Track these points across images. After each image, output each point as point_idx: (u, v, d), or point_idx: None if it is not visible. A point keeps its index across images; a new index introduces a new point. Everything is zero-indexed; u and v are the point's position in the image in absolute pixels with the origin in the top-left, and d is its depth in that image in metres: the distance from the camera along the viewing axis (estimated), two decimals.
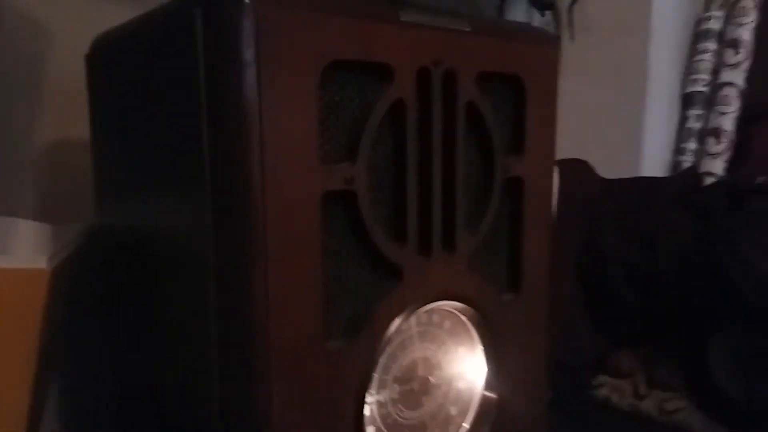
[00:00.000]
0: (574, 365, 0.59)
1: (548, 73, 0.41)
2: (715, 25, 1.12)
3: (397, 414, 0.37)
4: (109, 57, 0.40)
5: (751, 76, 1.09)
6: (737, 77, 1.09)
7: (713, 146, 1.10)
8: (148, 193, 0.37)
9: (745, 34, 1.09)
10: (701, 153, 1.12)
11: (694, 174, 0.82)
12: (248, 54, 0.28)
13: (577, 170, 0.66)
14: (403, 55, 0.33)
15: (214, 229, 0.30)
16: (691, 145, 1.12)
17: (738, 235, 0.55)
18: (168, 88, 0.33)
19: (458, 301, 0.38)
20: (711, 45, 1.12)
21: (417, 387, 0.38)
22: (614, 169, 0.74)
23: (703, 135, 1.12)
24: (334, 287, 0.33)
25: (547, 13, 0.82)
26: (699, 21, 1.15)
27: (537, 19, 0.89)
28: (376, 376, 0.35)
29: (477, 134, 0.38)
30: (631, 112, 1.06)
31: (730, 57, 1.10)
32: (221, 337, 0.30)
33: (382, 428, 0.36)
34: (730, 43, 1.10)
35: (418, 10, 0.34)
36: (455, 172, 0.36)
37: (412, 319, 0.36)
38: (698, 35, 1.14)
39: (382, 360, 0.35)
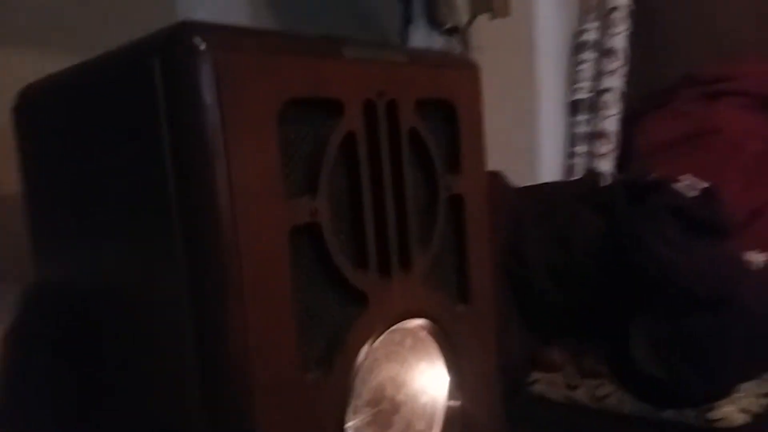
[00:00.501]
0: (509, 365, 0.62)
1: (475, 96, 0.44)
2: (591, 36, 1.23)
3: None
4: (45, 107, 0.38)
5: (629, 80, 1.21)
6: (616, 82, 1.20)
7: (601, 147, 1.20)
8: (102, 244, 0.36)
9: (619, 42, 1.20)
10: (591, 155, 1.21)
11: (594, 175, 0.89)
12: (210, 98, 0.29)
13: (493, 181, 0.70)
14: (351, 90, 0.35)
15: (188, 273, 0.30)
16: (581, 148, 1.22)
17: (641, 229, 0.61)
18: (125, 135, 0.32)
19: (418, 317, 0.39)
20: (590, 55, 1.22)
21: (387, 407, 0.39)
22: (516, 177, 0.79)
23: (590, 138, 1.22)
24: (306, 319, 0.33)
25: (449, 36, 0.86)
26: (576, 33, 1.25)
27: (437, 42, 0.93)
28: (352, 402, 0.35)
29: (419, 158, 0.40)
30: (527, 122, 1.13)
31: (608, 64, 1.21)
32: (203, 380, 0.30)
33: None
34: (606, 52, 1.21)
35: (359, 45, 0.36)
36: (405, 195, 0.38)
37: (378, 342, 0.37)
38: (577, 47, 1.24)
39: (356, 386, 0.36)
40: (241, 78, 0.30)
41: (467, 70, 0.44)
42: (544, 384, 0.65)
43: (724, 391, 0.54)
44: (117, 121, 0.32)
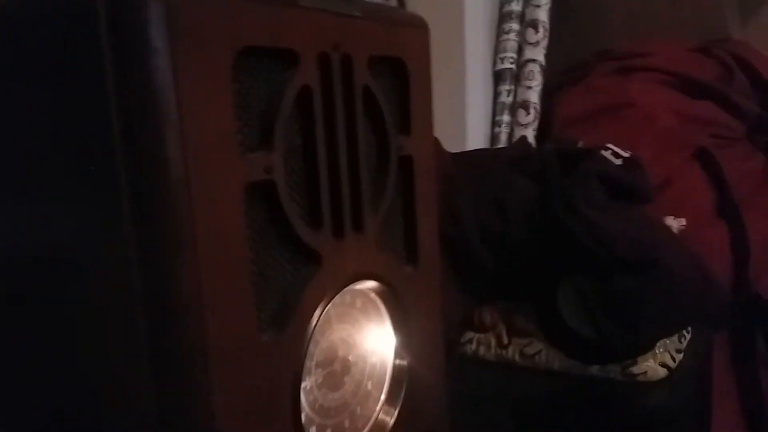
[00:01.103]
0: (444, 325, 0.63)
1: (425, 56, 0.44)
2: (516, 6, 1.25)
3: (323, 398, 0.37)
4: None
5: (549, 54, 1.24)
6: (538, 54, 1.23)
7: (523, 117, 1.23)
8: (32, 206, 0.32)
9: (542, 14, 1.22)
10: (514, 124, 1.24)
11: (525, 143, 0.92)
12: (160, 42, 0.26)
13: None
14: (307, 41, 0.33)
15: (136, 231, 0.28)
16: (505, 117, 1.25)
17: (572, 194, 0.63)
18: (63, 82, 0.29)
19: (370, 279, 0.39)
20: (515, 25, 1.24)
21: (338, 368, 0.38)
22: (445, 143, 0.80)
23: (514, 108, 1.25)
24: (259, 279, 0.32)
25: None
26: (502, 3, 1.27)
27: None
28: (307, 364, 0.35)
29: (371, 117, 0.39)
30: (454, 90, 1.14)
31: (531, 36, 1.23)
32: (154, 344, 0.28)
33: (311, 414, 0.37)
34: (530, 24, 1.23)
35: None
36: (358, 154, 0.37)
37: (330, 303, 0.37)
38: (503, 16, 1.26)
39: (309, 347, 0.35)
40: (195, 21, 0.28)
41: (419, 29, 0.43)
42: (477, 343, 0.67)
43: (645, 347, 0.57)
44: (54, 65, 0.29)
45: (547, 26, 1.23)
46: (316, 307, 0.35)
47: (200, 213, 0.28)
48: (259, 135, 0.32)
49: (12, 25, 0.31)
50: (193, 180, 0.28)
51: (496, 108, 1.26)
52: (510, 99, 1.25)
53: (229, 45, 0.29)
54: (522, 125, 1.23)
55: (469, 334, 0.68)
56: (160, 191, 0.27)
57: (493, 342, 0.67)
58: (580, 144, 0.72)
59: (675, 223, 0.69)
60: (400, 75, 0.42)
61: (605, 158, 0.64)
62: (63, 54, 0.29)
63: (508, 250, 0.67)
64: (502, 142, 1.23)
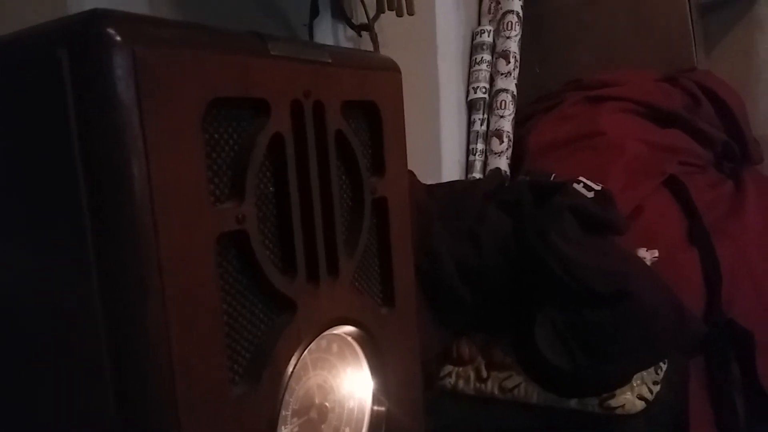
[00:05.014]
0: (423, 360, 0.63)
1: (397, 97, 0.44)
2: (487, 37, 1.27)
3: None
4: None
5: (519, 83, 1.26)
6: (510, 84, 1.25)
7: (497, 146, 1.25)
8: None
9: (513, 45, 1.25)
10: (488, 152, 1.26)
11: (499, 174, 0.93)
12: (126, 96, 0.26)
13: None
14: (278, 89, 0.33)
15: (101, 282, 0.27)
16: (479, 145, 1.26)
17: (546, 227, 0.63)
18: (27, 136, 0.28)
19: (346, 324, 0.38)
20: (486, 56, 1.27)
21: (315, 416, 0.38)
22: (420, 173, 0.80)
23: (487, 136, 1.26)
24: (232, 330, 0.32)
25: (360, 34, 0.86)
26: (474, 34, 1.29)
27: (343, 37, 0.93)
28: (283, 413, 0.34)
29: (344, 160, 0.39)
30: (429, 119, 1.15)
31: (503, 66, 1.25)
32: (120, 397, 0.28)
33: None
34: (501, 54, 1.26)
35: (284, 42, 0.35)
36: (332, 199, 0.37)
37: (306, 350, 0.36)
38: (475, 47, 1.28)
39: (285, 397, 0.35)
40: (162, 75, 0.27)
41: (390, 72, 0.43)
42: (456, 377, 0.67)
43: (621, 380, 0.58)
44: (18, 116, 0.29)
45: (518, 56, 1.26)
46: (292, 355, 0.34)
47: (168, 263, 0.28)
48: (231, 184, 0.32)
49: None
50: (161, 231, 0.27)
51: (470, 137, 1.27)
52: (483, 128, 1.27)
53: (200, 97, 0.29)
54: (496, 153, 1.25)
55: (448, 368, 0.67)
56: (127, 248, 0.27)
57: (472, 375, 0.66)
58: (553, 176, 0.73)
59: (648, 255, 0.70)
60: (373, 118, 0.42)
61: (577, 191, 0.65)
62: (27, 105, 0.28)
63: (484, 283, 0.67)
64: (477, 170, 1.25)
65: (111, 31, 0.26)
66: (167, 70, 0.28)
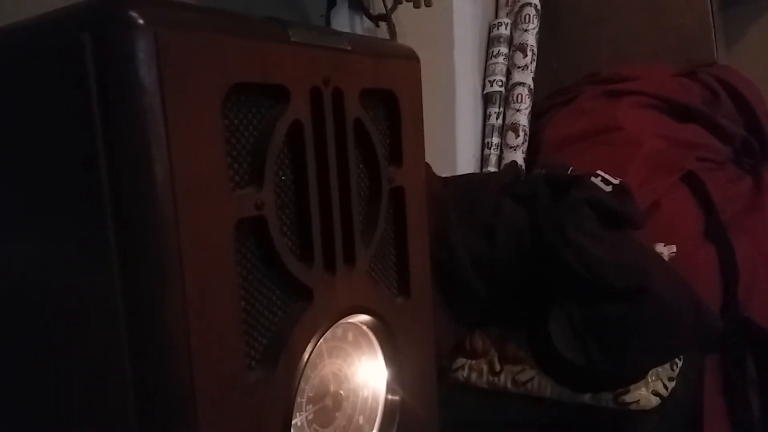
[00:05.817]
0: (437, 353, 0.63)
1: (416, 87, 0.44)
2: (504, 30, 1.26)
3: None
4: None
5: (536, 77, 1.25)
6: (527, 78, 1.24)
7: (513, 140, 1.24)
8: (15, 240, 0.32)
9: (530, 38, 1.24)
10: (503, 146, 1.25)
11: (515, 168, 0.92)
12: (149, 80, 0.26)
13: None
14: (298, 76, 0.33)
15: (122, 268, 0.27)
16: (495, 139, 1.25)
17: (563, 221, 0.63)
18: (50, 120, 0.29)
19: (361, 313, 0.38)
20: (503, 49, 1.26)
21: (329, 403, 0.38)
22: (435, 165, 0.80)
23: (503, 130, 1.26)
24: (249, 317, 0.32)
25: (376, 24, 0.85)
26: (491, 27, 1.28)
27: (360, 28, 0.92)
28: (298, 400, 0.34)
29: (363, 149, 0.39)
30: (444, 112, 1.15)
31: (520, 60, 1.24)
32: (139, 383, 0.28)
33: None
34: (518, 47, 1.25)
35: (305, 29, 0.34)
36: (350, 188, 0.37)
37: (322, 338, 0.36)
38: (492, 40, 1.27)
39: (300, 384, 0.35)
40: (184, 59, 0.27)
41: (409, 61, 0.43)
42: (468, 370, 0.67)
43: (636, 376, 0.57)
44: (39, 102, 0.29)
45: (535, 50, 1.24)
46: (308, 343, 0.34)
47: (189, 249, 0.28)
48: (250, 171, 0.31)
49: None
50: (182, 218, 0.27)
51: (485, 130, 1.26)
52: (499, 121, 1.26)
53: (220, 82, 0.29)
54: (511, 147, 1.24)
55: (461, 360, 0.67)
56: (148, 233, 0.27)
57: (485, 368, 0.66)
58: (570, 170, 0.72)
59: (665, 250, 0.69)
60: (392, 107, 0.42)
61: (595, 185, 0.65)
62: (48, 91, 0.29)
63: (499, 277, 0.66)
64: (492, 164, 1.24)
65: (134, 14, 0.26)
66: (189, 54, 0.28)
